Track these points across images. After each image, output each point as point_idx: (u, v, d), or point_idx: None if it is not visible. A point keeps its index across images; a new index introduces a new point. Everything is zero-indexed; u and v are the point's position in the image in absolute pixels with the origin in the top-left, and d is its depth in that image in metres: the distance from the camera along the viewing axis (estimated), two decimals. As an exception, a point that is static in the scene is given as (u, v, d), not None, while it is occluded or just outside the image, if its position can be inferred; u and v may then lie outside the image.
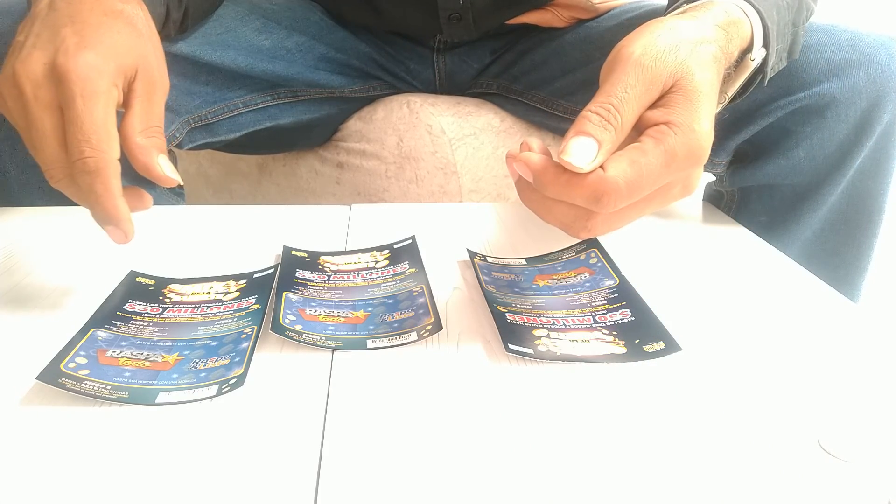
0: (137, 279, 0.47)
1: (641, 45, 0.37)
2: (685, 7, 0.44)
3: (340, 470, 0.30)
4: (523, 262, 0.51)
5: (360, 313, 0.43)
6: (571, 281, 0.48)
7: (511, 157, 0.38)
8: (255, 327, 0.41)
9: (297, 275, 0.48)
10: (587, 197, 0.35)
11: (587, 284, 0.47)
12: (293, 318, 0.42)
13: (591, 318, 0.43)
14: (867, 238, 0.67)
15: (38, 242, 0.54)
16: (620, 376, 0.38)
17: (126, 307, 0.43)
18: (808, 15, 0.54)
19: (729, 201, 0.69)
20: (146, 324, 0.42)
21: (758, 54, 0.45)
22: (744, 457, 0.31)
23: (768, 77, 0.48)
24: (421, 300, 0.44)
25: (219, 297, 0.45)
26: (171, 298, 0.45)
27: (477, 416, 0.34)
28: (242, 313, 0.43)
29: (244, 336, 0.40)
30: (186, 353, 0.39)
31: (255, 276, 0.48)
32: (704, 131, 0.36)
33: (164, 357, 0.38)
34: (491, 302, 0.44)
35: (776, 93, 0.60)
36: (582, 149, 0.35)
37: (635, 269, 0.49)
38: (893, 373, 0.39)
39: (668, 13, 0.45)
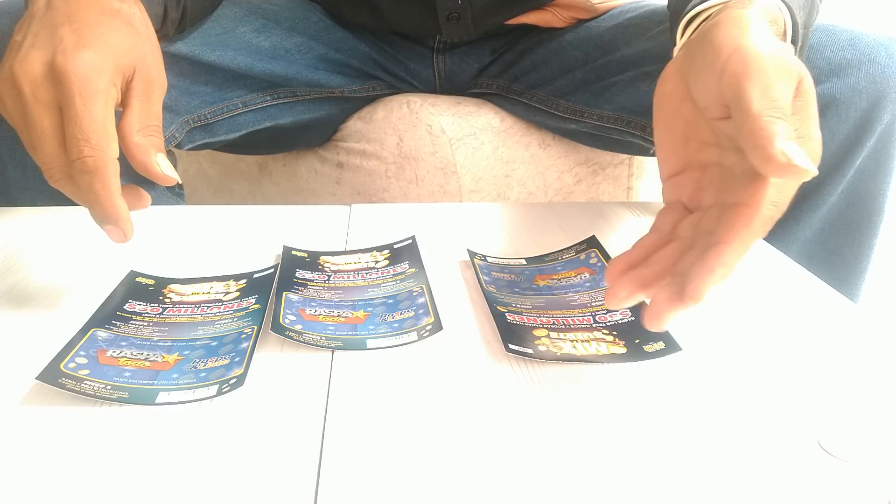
0: (137, 279, 0.47)
1: (763, 45, 0.34)
2: (718, 3, 0.41)
3: (340, 470, 0.30)
4: (523, 262, 0.51)
5: (360, 313, 0.43)
6: (571, 281, 0.48)
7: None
8: (255, 327, 0.41)
9: (297, 275, 0.48)
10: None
11: (587, 284, 0.47)
12: (293, 317, 0.42)
13: (591, 318, 0.43)
14: (867, 238, 0.67)
15: (38, 242, 0.54)
16: (620, 376, 0.38)
17: (126, 307, 0.43)
18: (815, 17, 0.54)
19: None
20: (146, 324, 0.42)
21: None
22: (744, 457, 0.31)
23: None
24: (421, 300, 0.44)
25: (219, 297, 0.45)
26: (171, 298, 0.45)
27: (477, 416, 0.34)
28: (242, 313, 0.43)
29: (244, 336, 0.40)
30: (186, 353, 0.39)
31: (255, 276, 0.48)
32: (819, 139, 0.34)
33: (164, 357, 0.38)
34: (491, 302, 0.44)
35: None
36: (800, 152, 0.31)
37: (635, 268, 0.48)
38: (893, 373, 0.39)
39: (692, 7, 0.42)
